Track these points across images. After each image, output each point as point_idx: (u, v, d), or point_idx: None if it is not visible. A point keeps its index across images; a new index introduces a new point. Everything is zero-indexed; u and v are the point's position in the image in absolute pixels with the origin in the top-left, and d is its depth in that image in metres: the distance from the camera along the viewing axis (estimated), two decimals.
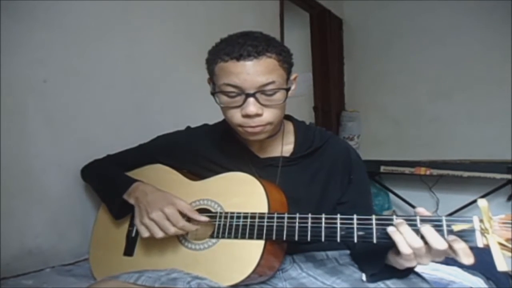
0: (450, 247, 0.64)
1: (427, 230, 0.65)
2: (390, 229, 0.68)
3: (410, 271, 0.79)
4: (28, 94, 1.16)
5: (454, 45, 2.77)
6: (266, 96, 0.81)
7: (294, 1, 2.79)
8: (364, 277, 0.81)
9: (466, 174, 2.34)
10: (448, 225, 0.65)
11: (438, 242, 0.64)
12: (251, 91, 0.80)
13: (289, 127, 1.00)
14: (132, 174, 1.05)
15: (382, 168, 2.59)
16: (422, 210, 0.69)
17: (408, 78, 2.97)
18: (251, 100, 0.80)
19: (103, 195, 1.07)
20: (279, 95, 0.83)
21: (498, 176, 2.26)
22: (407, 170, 2.52)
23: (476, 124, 2.70)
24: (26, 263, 1.13)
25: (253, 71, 0.79)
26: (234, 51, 0.79)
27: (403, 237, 0.67)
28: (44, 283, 1.03)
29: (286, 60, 0.84)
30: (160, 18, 1.61)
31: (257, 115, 0.82)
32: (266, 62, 0.80)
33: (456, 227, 0.64)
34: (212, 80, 0.88)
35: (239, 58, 0.79)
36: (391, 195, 2.86)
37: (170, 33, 1.66)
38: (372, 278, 0.80)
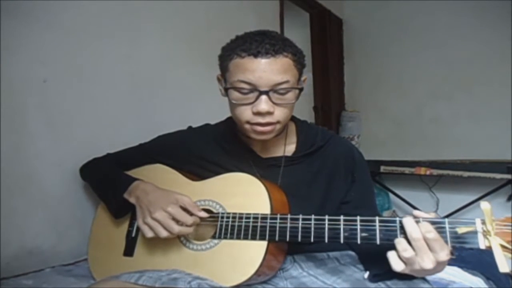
0: (425, 239, 0.65)
1: (407, 220, 0.67)
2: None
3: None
4: (28, 94, 1.16)
5: (454, 45, 2.77)
6: (278, 95, 0.82)
7: (294, 1, 2.79)
8: (366, 274, 0.81)
9: (466, 174, 2.34)
10: (451, 227, 0.65)
11: (414, 231, 0.66)
12: (265, 89, 0.80)
13: (292, 127, 1.00)
14: (131, 173, 1.04)
15: (382, 168, 2.60)
16: (418, 213, 0.70)
17: (408, 78, 2.97)
18: (264, 97, 0.81)
19: (102, 194, 1.06)
20: (291, 95, 0.84)
21: (498, 176, 2.27)
22: (407, 170, 2.52)
23: (476, 124, 2.70)
24: (26, 263, 1.13)
25: (269, 69, 0.79)
26: (251, 48, 0.79)
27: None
28: (44, 283, 1.02)
29: (300, 61, 0.86)
30: (160, 18, 1.60)
31: (268, 113, 0.82)
32: (282, 61, 0.81)
33: (460, 230, 0.64)
34: (224, 76, 0.88)
35: (256, 55, 0.79)
36: (391, 195, 2.86)
37: (170, 33, 1.66)
38: (375, 278, 0.80)
